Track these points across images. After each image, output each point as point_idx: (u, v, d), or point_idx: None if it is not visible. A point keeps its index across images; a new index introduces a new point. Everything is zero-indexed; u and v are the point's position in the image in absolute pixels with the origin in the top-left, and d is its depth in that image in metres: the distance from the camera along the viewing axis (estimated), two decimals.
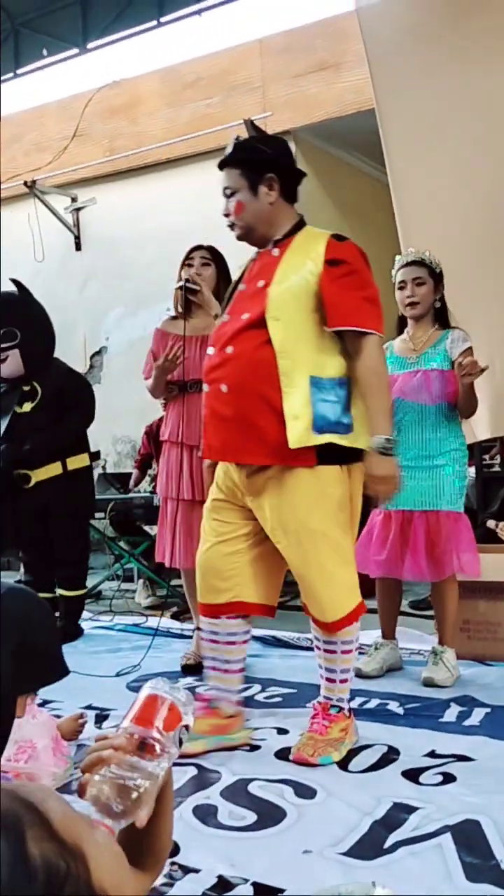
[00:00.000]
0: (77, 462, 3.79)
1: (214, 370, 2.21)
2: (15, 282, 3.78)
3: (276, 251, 2.23)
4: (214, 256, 3.20)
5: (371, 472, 2.12)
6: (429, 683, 2.79)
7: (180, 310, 3.19)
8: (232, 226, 2.27)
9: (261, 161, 2.23)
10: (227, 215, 2.27)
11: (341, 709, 2.26)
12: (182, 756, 2.11)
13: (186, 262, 3.20)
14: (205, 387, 2.26)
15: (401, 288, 2.97)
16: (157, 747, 0.88)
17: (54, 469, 3.72)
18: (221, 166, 2.28)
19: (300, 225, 2.28)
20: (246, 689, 2.87)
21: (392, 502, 2.66)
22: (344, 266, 2.13)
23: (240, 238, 2.29)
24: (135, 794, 0.85)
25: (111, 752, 0.87)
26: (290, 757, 2.14)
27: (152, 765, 0.87)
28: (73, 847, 0.74)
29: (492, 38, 3.24)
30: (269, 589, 2.31)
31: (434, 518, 2.86)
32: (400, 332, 3.06)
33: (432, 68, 3.44)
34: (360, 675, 2.81)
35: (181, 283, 3.11)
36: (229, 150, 2.26)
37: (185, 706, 0.93)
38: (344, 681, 2.27)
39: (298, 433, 2.08)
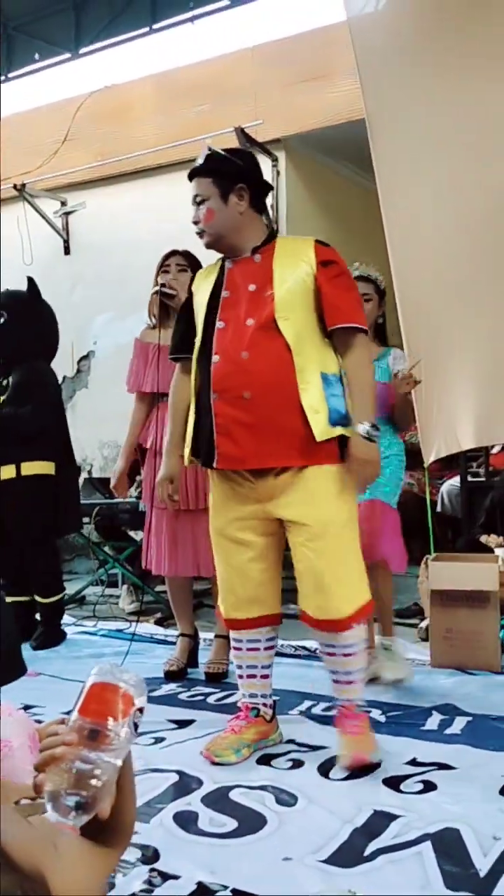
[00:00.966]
0: (35, 468, 3.72)
1: (229, 378, 2.20)
2: (28, 279, 3.90)
3: (257, 257, 2.27)
4: (190, 262, 3.19)
5: (358, 455, 2.18)
6: (374, 679, 2.81)
7: (155, 316, 3.19)
8: (201, 233, 2.31)
9: (232, 171, 2.29)
10: (196, 223, 2.31)
11: (362, 706, 2.33)
12: (226, 765, 2.14)
13: (163, 268, 3.19)
14: (213, 395, 2.22)
15: None
16: (110, 736, 0.87)
17: (7, 472, 3.68)
18: (192, 176, 2.33)
19: (273, 234, 2.36)
20: (229, 695, 2.87)
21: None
22: (335, 267, 2.24)
23: (208, 246, 2.33)
24: (92, 788, 0.84)
25: (63, 748, 0.86)
26: (346, 763, 2.14)
27: (107, 755, 0.86)
28: (32, 871, 0.73)
29: (484, 49, 3.26)
30: (279, 596, 2.38)
31: (369, 506, 2.90)
32: None
33: (423, 79, 3.46)
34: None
35: (157, 289, 3.12)
36: (200, 160, 2.32)
37: (136, 688, 0.91)
38: (360, 681, 2.31)
39: (322, 426, 2.15)
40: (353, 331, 2.23)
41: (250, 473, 2.22)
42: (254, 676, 2.39)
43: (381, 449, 2.75)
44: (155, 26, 5.33)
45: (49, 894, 0.73)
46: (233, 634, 2.40)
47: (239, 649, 2.39)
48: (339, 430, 2.18)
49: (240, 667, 2.41)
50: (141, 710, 0.89)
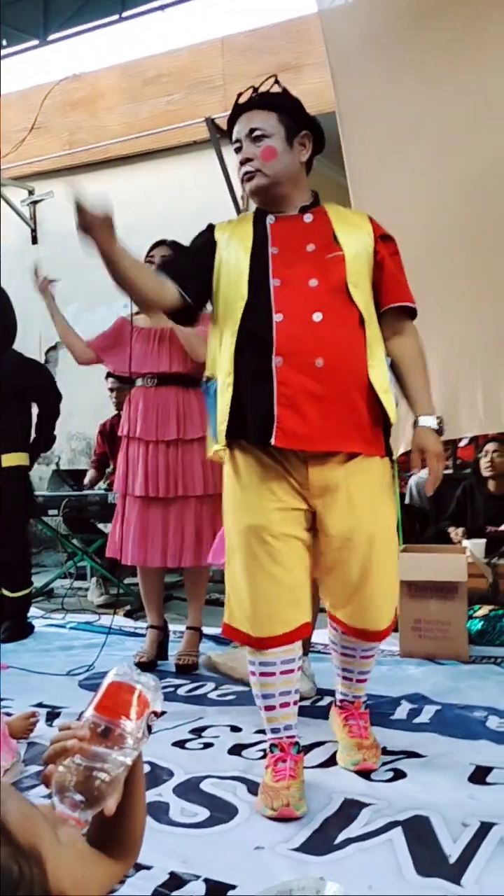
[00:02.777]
0: (15, 459, 3.71)
1: (299, 340, 1.87)
2: None
3: (308, 217, 2.01)
4: None
5: (432, 448, 1.96)
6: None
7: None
8: (252, 174, 1.97)
9: (301, 114, 2.01)
10: (247, 160, 1.97)
11: (366, 703, 2.22)
12: (290, 819, 1.76)
13: (148, 258, 3.17)
14: (276, 359, 1.87)
15: None
16: (122, 735, 0.87)
17: None
18: (248, 107, 1.99)
19: (318, 198, 2.09)
20: (199, 686, 2.87)
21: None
22: (393, 244, 2.04)
23: (256, 190, 1.99)
24: (99, 783, 0.84)
25: (74, 741, 0.86)
26: (352, 769, 2.04)
27: (117, 753, 0.86)
28: (29, 849, 0.73)
29: (454, 44, 3.28)
30: (312, 599, 2.05)
31: None
32: None
33: (394, 73, 3.48)
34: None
35: None
36: (252, 94, 2.00)
37: (153, 692, 0.91)
38: (367, 679, 2.20)
39: (393, 408, 1.95)
40: (410, 312, 2.03)
41: (304, 456, 1.90)
42: (287, 705, 1.96)
43: None
44: (124, 14, 5.25)
45: (43, 873, 0.73)
46: (260, 658, 1.94)
47: (271, 674, 1.94)
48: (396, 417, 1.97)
49: (270, 696, 1.95)
50: (156, 713, 0.90)
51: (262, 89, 2.02)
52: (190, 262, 2.07)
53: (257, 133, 1.97)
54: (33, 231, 6.68)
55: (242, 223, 2.06)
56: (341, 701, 2.21)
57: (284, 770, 1.90)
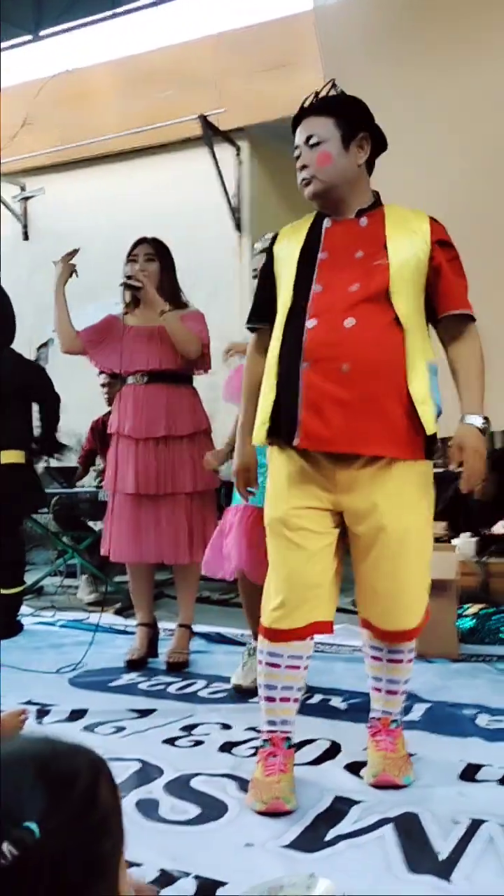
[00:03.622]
0: (12, 457, 3.69)
1: (327, 346, 1.89)
2: None
3: (364, 221, 2.00)
4: (158, 251, 3.16)
5: (475, 446, 1.91)
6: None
7: (127, 302, 3.18)
8: (309, 180, 2.00)
9: (357, 116, 2.01)
10: (304, 167, 2.00)
11: (399, 723, 2.11)
12: (280, 812, 1.82)
13: (131, 257, 3.14)
14: (303, 364, 1.91)
15: (255, 276, 2.96)
16: None
17: None
18: (305, 115, 2.01)
19: (379, 199, 2.09)
20: (190, 684, 2.87)
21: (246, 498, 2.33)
22: (452, 250, 2.01)
23: (314, 195, 2.01)
24: None
25: None
26: (371, 781, 1.98)
27: None
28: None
29: (448, 43, 3.29)
30: (334, 602, 2.04)
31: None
32: None
33: (387, 72, 3.48)
34: (238, 690, 2.72)
35: (122, 281, 3.08)
36: (312, 100, 2.02)
37: None
38: (405, 691, 2.13)
39: (430, 419, 1.91)
40: (468, 319, 1.99)
41: (332, 458, 1.92)
42: (287, 700, 2.00)
43: None
44: (118, 10, 5.24)
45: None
46: (269, 648, 1.97)
47: (276, 666, 1.97)
48: (438, 426, 1.94)
49: (272, 687, 1.98)
50: None
51: (322, 94, 2.03)
52: (264, 295, 2.13)
53: (313, 139, 1.98)
54: (25, 227, 6.67)
55: (302, 225, 2.09)
56: (371, 719, 2.13)
57: (275, 764, 1.92)
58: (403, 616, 1.99)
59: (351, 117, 2.00)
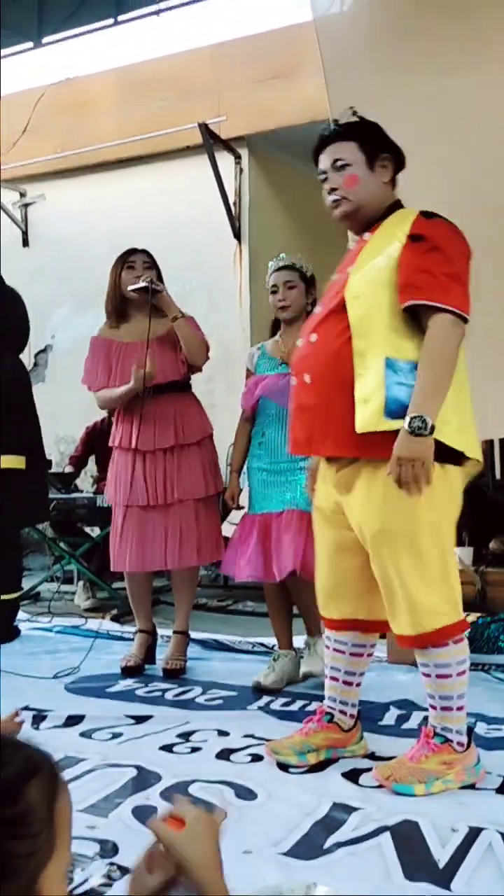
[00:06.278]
0: (11, 462, 3.64)
1: (301, 361, 2.11)
2: None
3: (367, 235, 2.10)
4: (153, 260, 3.17)
5: (395, 451, 1.89)
6: (308, 676, 2.93)
7: (114, 314, 3.14)
8: (338, 202, 2.10)
9: (381, 138, 2.13)
10: (333, 189, 2.10)
11: (447, 740, 2.02)
12: (296, 767, 2.06)
13: (127, 264, 3.12)
14: (292, 380, 2.16)
15: (273, 292, 3.01)
16: None
17: None
18: (330, 141, 2.12)
19: (394, 207, 2.13)
20: (187, 691, 2.86)
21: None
22: (425, 242, 1.97)
23: (343, 217, 2.12)
24: None
25: None
26: (374, 773, 2.02)
27: None
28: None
29: (451, 52, 3.29)
30: (364, 603, 2.13)
31: (289, 516, 2.84)
32: (273, 334, 3.12)
33: (388, 82, 3.48)
34: (258, 688, 2.82)
35: (141, 286, 3.02)
36: (334, 126, 2.14)
37: None
38: (460, 708, 2.04)
39: (366, 417, 1.92)
40: (431, 310, 1.93)
41: (328, 461, 2.12)
42: (350, 684, 2.21)
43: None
44: (120, 18, 5.27)
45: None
46: (335, 636, 2.20)
47: (342, 652, 2.19)
48: (391, 423, 1.91)
49: (337, 669, 2.21)
50: None
51: (342, 121, 2.14)
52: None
53: (340, 163, 2.09)
54: (24, 234, 6.68)
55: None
56: (425, 727, 2.12)
57: (303, 728, 2.20)
58: (411, 619, 1.98)
59: (373, 140, 2.11)
